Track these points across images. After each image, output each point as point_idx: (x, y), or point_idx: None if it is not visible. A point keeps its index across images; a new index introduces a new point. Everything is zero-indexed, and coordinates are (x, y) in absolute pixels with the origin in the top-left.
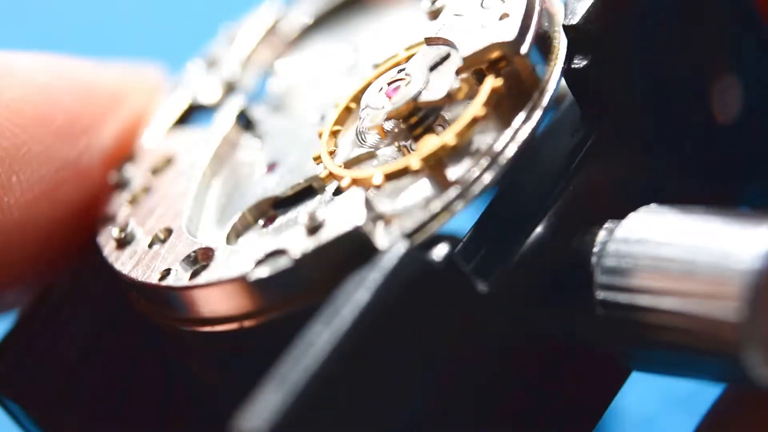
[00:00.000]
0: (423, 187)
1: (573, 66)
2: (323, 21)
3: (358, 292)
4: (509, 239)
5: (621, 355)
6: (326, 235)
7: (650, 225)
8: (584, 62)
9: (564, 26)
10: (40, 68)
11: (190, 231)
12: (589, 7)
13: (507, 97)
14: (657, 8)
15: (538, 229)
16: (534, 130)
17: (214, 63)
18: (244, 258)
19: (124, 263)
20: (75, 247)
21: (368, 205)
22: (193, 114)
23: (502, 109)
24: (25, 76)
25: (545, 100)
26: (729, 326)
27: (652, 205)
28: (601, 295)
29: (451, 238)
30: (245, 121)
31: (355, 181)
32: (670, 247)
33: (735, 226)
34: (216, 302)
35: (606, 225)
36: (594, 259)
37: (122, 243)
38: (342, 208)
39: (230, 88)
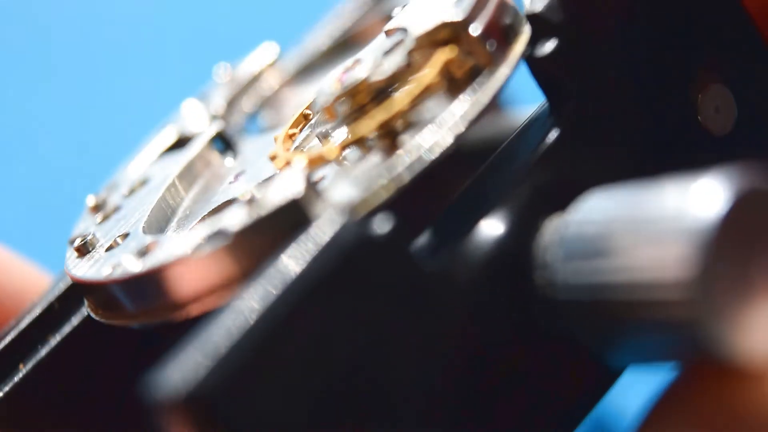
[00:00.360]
0: (374, 159)
1: (535, 55)
2: (322, 60)
3: (290, 259)
4: (466, 224)
5: (590, 347)
6: (263, 208)
7: (605, 201)
8: (547, 52)
9: (527, 14)
10: None
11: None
12: None
13: (461, 75)
14: (633, 3)
15: (496, 217)
16: (485, 107)
17: (206, 100)
18: (188, 241)
19: (80, 268)
20: None
21: (308, 178)
22: (181, 146)
23: (454, 86)
24: None
25: (498, 80)
26: (682, 286)
27: (607, 186)
28: (558, 277)
29: (405, 217)
30: (223, 144)
31: (311, 161)
32: (623, 217)
33: (685, 186)
34: (161, 288)
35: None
36: (550, 242)
37: (83, 251)
38: (280, 182)
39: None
